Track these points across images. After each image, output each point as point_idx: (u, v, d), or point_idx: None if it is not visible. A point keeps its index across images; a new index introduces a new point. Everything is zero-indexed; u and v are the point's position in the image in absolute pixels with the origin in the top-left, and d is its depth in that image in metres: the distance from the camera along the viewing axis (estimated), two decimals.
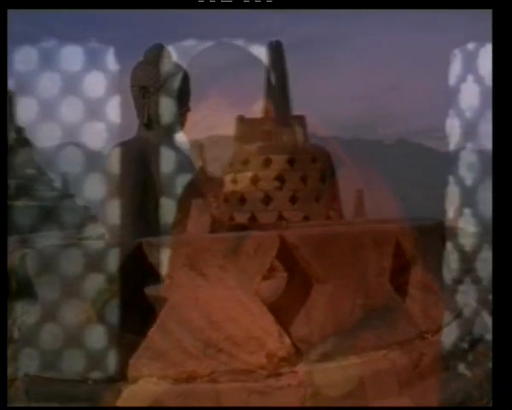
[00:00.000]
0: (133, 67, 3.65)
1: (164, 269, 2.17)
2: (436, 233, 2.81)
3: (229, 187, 8.34)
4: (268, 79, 8.53)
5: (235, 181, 8.24)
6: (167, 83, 3.55)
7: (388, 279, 2.43)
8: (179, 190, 3.52)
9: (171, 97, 3.58)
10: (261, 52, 7.96)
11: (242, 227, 3.91)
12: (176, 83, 3.58)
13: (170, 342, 2.08)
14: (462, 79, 2.68)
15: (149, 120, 3.55)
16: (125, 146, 3.47)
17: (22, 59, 2.98)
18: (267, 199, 7.97)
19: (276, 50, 8.51)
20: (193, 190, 3.63)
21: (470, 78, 2.66)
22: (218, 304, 2.12)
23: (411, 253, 2.60)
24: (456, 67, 2.68)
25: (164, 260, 2.17)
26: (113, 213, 3.26)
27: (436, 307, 2.60)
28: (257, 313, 2.13)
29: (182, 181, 3.58)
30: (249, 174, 8.07)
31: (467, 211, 2.93)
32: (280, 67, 8.52)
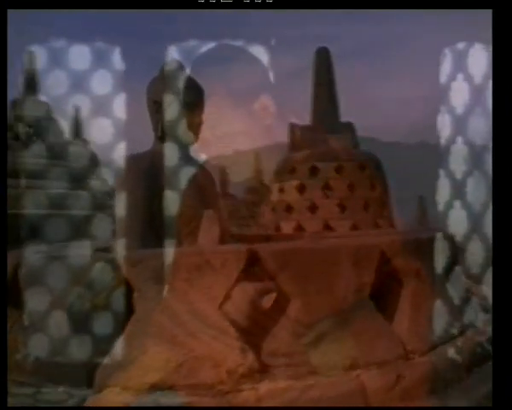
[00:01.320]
0: (149, 82, 3.78)
1: (134, 282, 2.23)
2: (435, 246, 2.65)
3: (276, 196, 8.35)
4: (315, 86, 8.45)
5: (282, 190, 8.23)
6: (179, 97, 3.63)
7: (369, 295, 2.33)
8: (189, 201, 3.56)
9: (183, 111, 3.66)
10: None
11: (251, 239, 3.89)
12: (188, 97, 3.65)
13: (133, 354, 2.12)
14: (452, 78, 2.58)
15: (163, 134, 3.64)
16: (137, 158, 3.59)
17: (32, 58, 3.18)
18: (313, 208, 7.89)
19: (324, 56, 8.43)
20: (205, 201, 3.67)
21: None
22: (182, 318, 2.14)
23: (402, 268, 2.48)
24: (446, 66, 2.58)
25: (135, 273, 2.23)
26: (122, 225, 3.38)
27: (426, 326, 2.45)
28: (219, 327, 2.12)
29: (193, 193, 3.63)
30: (296, 183, 8.03)
31: (457, 203, 2.84)
32: (328, 73, 8.42)
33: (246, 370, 2.08)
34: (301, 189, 7.98)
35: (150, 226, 3.40)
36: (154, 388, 2.07)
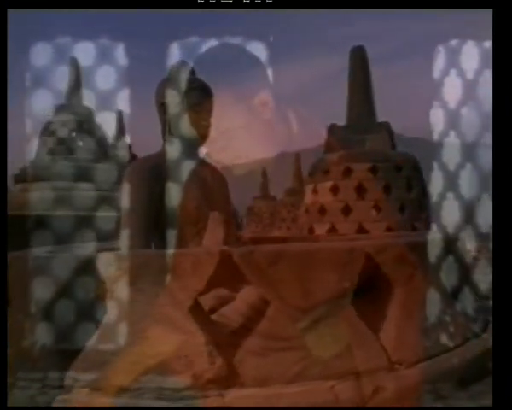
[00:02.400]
0: (157, 85, 3.80)
1: (108, 283, 2.22)
2: (428, 250, 2.49)
3: (309, 197, 8.21)
4: (351, 85, 8.26)
5: (315, 191, 8.09)
6: (185, 98, 3.61)
7: (360, 301, 2.21)
8: (195, 202, 3.54)
9: (189, 112, 3.64)
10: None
11: (255, 241, 3.82)
12: (194, 98, 3.62)
13: (102, 356, 2.11)
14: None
15: (171, 136, 3.64)
16: (143, 160, 3.62)
17: (38, 54, 3.28)
18: (347, 209, 7.70)
19: (359, 55, 8.22)
20: (213, 203, 3.63)
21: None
22: (151, 321, 2.10)
23: (393, 273, 2.34)
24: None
25: (109, 273, 2.22)
26: (126, 225, 3.40)
27: (416, 336, 2.30)
28: (188, 331, 2.07)
29: (200, 194, 3.60)
30: (329, 184, 7.87)
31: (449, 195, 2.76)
32: (363, 72, 8.21)
33: (212, 375, 2.02)
34: (335, 190, 7.81)
35: (150, 226, 3.40)
36: (122, 390, 2.05)
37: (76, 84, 9.43)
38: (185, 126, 3.64)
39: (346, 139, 8.03)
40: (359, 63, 8.19)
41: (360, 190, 7.67)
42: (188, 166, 3.63)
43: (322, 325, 2.12)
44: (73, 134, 9.38)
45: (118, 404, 2.04)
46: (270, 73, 3.29)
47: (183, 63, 3.76)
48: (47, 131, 9.21)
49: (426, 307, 2.41)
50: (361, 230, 7.50)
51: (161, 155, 3.63)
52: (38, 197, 8.77)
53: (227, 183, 4.07)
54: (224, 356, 2.06)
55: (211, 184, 3.74)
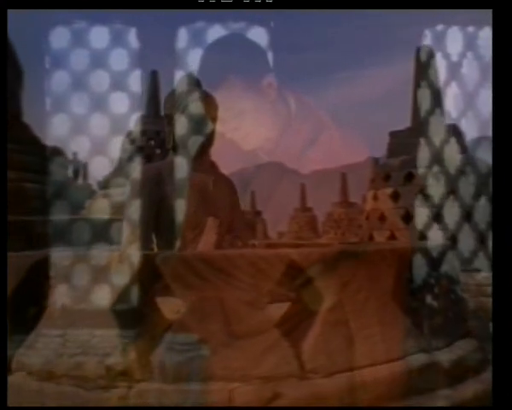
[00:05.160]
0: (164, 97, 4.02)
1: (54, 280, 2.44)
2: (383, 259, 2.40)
3: (370, 204, 7.99)
4: (416, 86, 7.90)
5: (375, 197, 7.86)
6: (187, 109, 3.77)
7: (263, 307, 2.20)
8: (192, 208, 3.67)
9: (191, 122, 3.80)
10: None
11: (268, 246, 3.85)
12: (196, 108, 3.77)
13: (41, 342, 2.33)
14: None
15: (174, 145, 3.83)
16: (147, 168, 3.84)
17: (57, 38, 3.69)
18: (408, 217, 7.37)
19: (426, 55, 7.84)
20: (212, 209, 3.74)
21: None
22: (82, 314, 2.29)
23: (321, 281, 2.29)
24: None
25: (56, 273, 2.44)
26: (126, 228, 3.64)
27: (341, 346, 2.22)
28: (108, 325, 2.22)
29: (198, 201, 3.73)
30: (390, 190, 7.60)
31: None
32: (429, 72, 7.81)
33: (123, 368, 2.15)
34: (395, 196, 7.52)
35: (147, 230, 3.59)
36: (50, 376, 2.26)
37: (154, 95, 10.09)
38: (187, 135, 3.80)
39: (408, 143, 7.69)
40: (425, 62, 7.80)
41: (422, 197, 7.30)
42: (189, 175, 3.76)
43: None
44: (152, 143, 10.03)
45: (45, 388, 2.24)
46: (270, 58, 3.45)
47: (187, 75, 3.94)
48: (128, 139, 9.96)
49: (364, 318, 2.32)
50: (422, 237, 7.15)
51: (165, 163, 3.83)
52: (120, 202, 9.48)
53: (235, 190, 4.14)
54: (139, 351, 2.18)
55: (212, 192, 3.81)
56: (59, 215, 6.15)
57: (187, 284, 2.20)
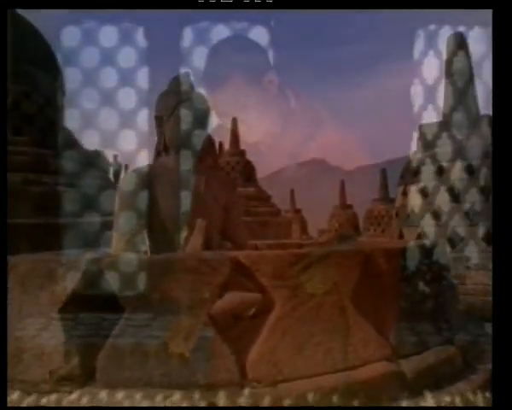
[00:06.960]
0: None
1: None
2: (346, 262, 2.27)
3: (399, 200, 7.69)
4: (447, 76, 7.51)
5: (405, 193, 7.54)
6: (177, 110, 3.74)
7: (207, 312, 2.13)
8: (180, 209, 3.65)
9: (181, 123, 3.77)
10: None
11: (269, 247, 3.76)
12: (186, 110, 3.74)
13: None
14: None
15: (166, 147, 3.81)
16: (136, 170, 3.85)
17: (68, 37, 3.87)
18: (439, 213, 7.03)
19: (457, 42, 7.45)
20: (204, 210, 3.70)
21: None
22: (31, 320, 2.30)
23: (270, 285, 2.20)
24: None
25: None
26: (116, 230, 3.66)
27: (286, 355, 2.12)
28: (55, 330, 2.22)
29: (189, 201, 3.71)
30: (419, 186, 7.27)
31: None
32: (461, 61, 7.41)
33: (65, 373, 2.14)
34: (425, 192, 7.19)
35: (135, 231, 3.59)
36: (10, 379, 2.28)
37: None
38: (177, 137, 3.77)
39: (439, 137, 7.33)
40: (456, 51, 7.41)
41: (453, 192, 6.94)
42: (180, 176, 3.74)
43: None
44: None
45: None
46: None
47: (177, 77, 3.91)
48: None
49: (316, 325, 2.20)
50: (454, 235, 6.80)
51: (157, 164, 3.82)
52: None
53: (232, 190, 4.08)
54: (82, 356, 2.17)
55: (204, 192, 3.77)
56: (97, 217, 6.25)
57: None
